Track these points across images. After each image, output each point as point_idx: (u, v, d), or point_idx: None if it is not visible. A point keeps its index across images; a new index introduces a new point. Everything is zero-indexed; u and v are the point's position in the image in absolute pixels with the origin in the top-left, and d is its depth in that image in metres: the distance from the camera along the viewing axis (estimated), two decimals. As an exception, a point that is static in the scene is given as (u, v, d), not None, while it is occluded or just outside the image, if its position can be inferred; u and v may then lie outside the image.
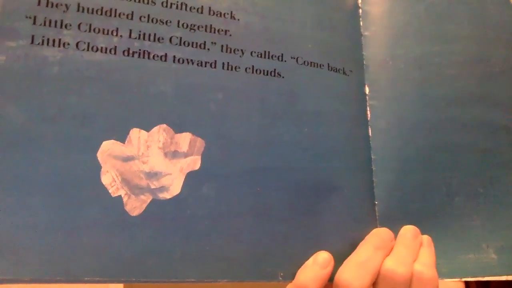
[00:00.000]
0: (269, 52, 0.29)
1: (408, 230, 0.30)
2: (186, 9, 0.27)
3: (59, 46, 0.24)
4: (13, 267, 0.23)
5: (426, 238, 0.30)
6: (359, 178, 0.31)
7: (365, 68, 0.33)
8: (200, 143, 0.26)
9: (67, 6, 0.25)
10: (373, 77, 0.33)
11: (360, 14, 0.33)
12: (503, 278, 0.31)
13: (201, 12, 0.27)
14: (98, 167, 0.24)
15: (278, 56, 0.29)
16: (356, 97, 0.32)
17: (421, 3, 0.34)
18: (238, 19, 0.28)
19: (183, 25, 0.27)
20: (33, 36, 0.24)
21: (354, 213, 0.30)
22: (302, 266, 0.27)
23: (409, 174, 0.32)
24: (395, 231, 0.30)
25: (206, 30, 0.27)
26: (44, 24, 0.24)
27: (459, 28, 0.34)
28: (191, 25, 0.27)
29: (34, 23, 0.24)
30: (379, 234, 0.29)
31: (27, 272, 0.23)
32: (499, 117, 0.33)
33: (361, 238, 0.30)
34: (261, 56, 0.28)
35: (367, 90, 0.32)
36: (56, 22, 0.25)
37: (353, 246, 0.29)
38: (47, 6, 0.25)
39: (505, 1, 0.34)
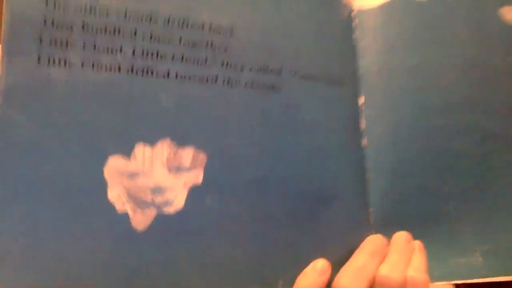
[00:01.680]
0: (267, 67, 0.31)
1: (401, 236, 0.32)
2: (187, 26, 0.29)
3: (64, 66, 0.26)
4: (20, 276, 0.25)
5: (418, 243, 0.32)
6: (354, 186, 0.33)
7: (360, 78, 0.35)
8: (202, 157, 0.28)
9: (72, 26, 0.26)
10: (368, 87, 0.35)
11: (355, 25, 0.35)
12: (488, 280, 0.34)
13: (202, 29, 0.29)
14: (105, 183, 0.26)
15: (276, 70, 0.31)
16: (351, 107, 0.34)
17: (415, 14, 0.36)
18: (238, 35, 0.30)
19: (184, 42, 0.29)
20: (39, 56, 0.26)
21: (350, 220, 0.32)
22: (301, 273, 0.30)
23: (403, 182, 0.34)
24: (389, 237, 0.33)
25: (206, 47, 0.29)
26: (50, 44, 0.26)
27: (452, 38, 0.36)
28: (192, 42, 0.29)
29: (40, 43, 0.26)
30: (373, 241, 0.32)
31: (33, 281, 0.25)
32: (493, 123, 0.35)
33: (357, 245, 0.32)
34: (259, 71, 0.30)
35: (362, 100, 0.34)
36: (61, 42, 0.26)
37: (349, 253, 0.31)
38: (52, 26, 0.26)
39: (496, 13, 0.36)
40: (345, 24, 0.35)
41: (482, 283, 0.38)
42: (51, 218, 0.25)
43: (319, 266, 0.30)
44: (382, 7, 0.36)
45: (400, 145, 0.34)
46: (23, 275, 0.24)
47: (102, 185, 0.26)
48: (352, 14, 0.35)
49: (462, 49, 0.36)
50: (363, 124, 0.34)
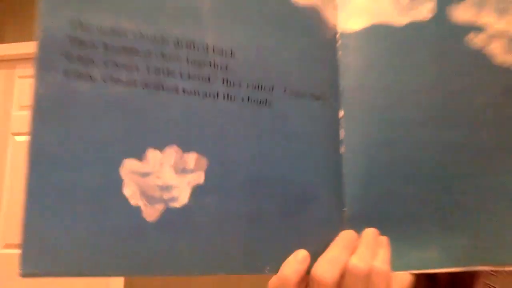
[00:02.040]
0: (261, 84, 0.36)
1: (370, 232, 0.38)
2: (193, 48, 0.34)
3: (88, 80, 0.31)
4: (51, 263, 0.29)
5: (384, 239, 0.38)
6: (332, 189, 0.38)
7: (341, 94, 0.40)
8: (204, 161, 0.33)
9: (95, 46, 0.31)
10: (347, 102, 0.40)
11: (338, 46, 0.41)
12: (444, 270, 0.40)
13: (206, 51, 0.34)
14: (121, 181, 0.31)
15: (269, 88, 0.36)
16: (332, 119, 0.39)
17: (390, 39, 0.41)
18: (236, 57, 0.35)
19: (190, 61, 0.33)
20: (66, 71, 0.30)
21: (327, 217, 0.38)
22: (285, 262, 0.35)
23: (374, 185, 0.40)
24: (360, 233, 0.38)
25: (209, 66, 0.34)
26: (76, 61, 0.30)
27: (420, 62, 0.41)
28: (197, 61, 0.34)
29: (67, 59, 0.30)
30: (346, 236, 0.37)
31: (62, 267, 0.29)
32: (456, 134, 0.41)
33: (332, 239, 0.37)
34: (254, 88, 0.35)
35: (342, 113, 0.40)
36: (86, 59, 0.31)
37: (326, 245, 0.37)
38: (78, 45, 0.31)
39: (462, 39, 0.42)
40: (329, 45, 0.40)
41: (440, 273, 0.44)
42: (80, 211, 0.29)
43: (300, 256, 0.35)
44: (362, 31, 0.41)
45: (372, 153, 0.40)
46: (67, 262, 0.29)
47: (119, 183, 0.30)
48: (337, 36, 0.41)
49: (429, 71, 0.42)
50: (342, 134, 0.39)
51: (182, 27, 0.33)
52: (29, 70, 2.71)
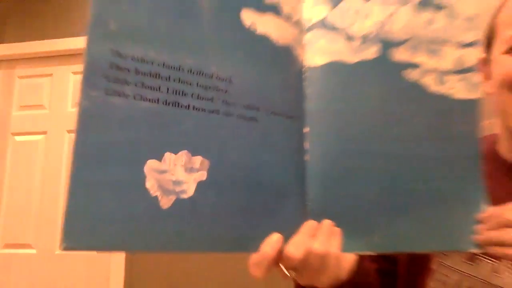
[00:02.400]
0: (250, 105, 0.47)
1: (326, 224, 0.49)
2: (202, 75, 0.44)
3: (122, 96, 0.41)
4: (89, 239, 0.38)
5: (337, 229, 0.49)
6: (299, 189, 0.49)
7: (306, 115, 0.51)
8: (206, 162, 0.43)
9: (128, 70, 0.41)
10: (311, 121, 0.52)
11: (305, 77, 0.52)
12: (385, 253, 0.50)
13: (211, 77, 0.44)
14: (144, 176, 0.40)
15: (256, 108, 0.47)
16: (300, 133, 0.51)
17: (343, 72, 0.53)
18: (234, 83, 0.46)
19: (199, 85, 0.44)
20: (106, 89, 0.40)
21: (295, 211, 0.49)
22: (264, 242, 0.45)
23: (331, 187, 0.51)
24: (320, 223, 0.49)
25: (213, 89, 0.45)
26: (113, 82, 0.40)
27: (368, 90, 0.53)
28: (204, 85, 0.44)
29: (107, 80, 0.40)
30: (309, 225, 0.48)
31: (97, 243, 0.39)
32: (399, 148, 0.52)
33: (299, 227, 0.48)
34: (245, 108, 0.46)
35: (307, 129, 0.51)
36: (121, 80, 0.41)
37: (294, 232, 0.47)
38: (116, 69, 0.41)
39: (399, 73, 0.53)
40: (299, 76, 0.52)
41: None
42: (112, 198, 0.39)
43: (275, 238, 0.46)
44: (323, 66, 0.53)
45: (330, 161, 0.51)
46: (102, 238, 0.39)
47: (143, 178, 0.40)
48: (304, 69, 0.53)
49: (375, 98, 0.53)
50: (307, 146, 0.51)
51: (194, 59, 0.44)
52: (29, 70, 2.77)
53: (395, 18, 0.53)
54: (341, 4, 0.54)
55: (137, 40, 0.42)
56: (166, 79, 0.42)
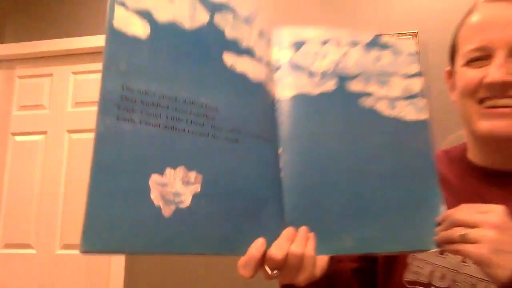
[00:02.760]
0: (234, 129, 0.57)
1: (302, 230, 0.58)
2: (194, 105, 0.54)
3: (131, 122, 0.50)
4: (104, 243, 0.46)
5: (312, 234, 0.59)
6: (277, 201, 0.60)
7: (280, 138, 0.63)
8: (200, 177, 0.53)
9: (135, 101, 0.50)
10: (284, 143, 0.62)
11: (276, 107, 0.64)
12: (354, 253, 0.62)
13: (201, 107, 0.55)
14: (149, 188, 0.50)
15: (238, 131, 0.58)
16: (275, 154, 0.62)
17: (308, 103, 0.65)
18: (220, 111, 0.57)
19: (192, 113, 0.54)
20: (117, 116, 0.49)
21: (275, 219, 0.59)
22: (251, 246, 0.55)
23: (304, 199, 0.61)
24: (297, 230, 0.59)
25: (203, 116, 0.55)
26: (123, 110, 0.50)
27: (329, 117, 0.65)
28: (196, 113, 0.54)
29: (118, 108, 0.50)
30: (288, 231, 0.58)
31: (111, 246, 0.47)
32: (360, 163, 0.64)
33: (279, 233, 0.57)
34: (230, 131, 0.57)
35: (281, 150, 0.62)
36: (129, 109, 0.50)
37: (275, 237, 0.57)
38: (125, 100, 0.50)
39: (355, 102, 0.66)
40: (272, 107, 0.64)
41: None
42: (123, 207, 0.48)
43: (260, 242, 0.55)
44: (290, 98, 0.65)
45: (300, 177, 0.62)
46: (115, 242, 0.47)
47: (148, 190, 0.50)
48: (275, 101, 0.64)
49: (336, 123, 0.65)
50: (281, 164, 0.61)
51: (187, 92, 0.55)
52: (29, 70, 2.84)
53: (347, 57, 0.68)
54: (302, 48, 0.68)
55: (142, 77, 0.52)
56: (166, 108, 0.52)
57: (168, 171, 0.51)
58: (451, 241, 0.58)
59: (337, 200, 0.62)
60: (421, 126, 0.66)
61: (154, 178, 0.50)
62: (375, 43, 0.69)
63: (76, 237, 2.45)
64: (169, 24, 0.56)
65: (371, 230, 0.61)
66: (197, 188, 0.53)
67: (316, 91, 0.66)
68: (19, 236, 2.65)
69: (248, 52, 0.63)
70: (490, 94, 0.69)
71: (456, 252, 0.59)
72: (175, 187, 0.51)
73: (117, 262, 2.43)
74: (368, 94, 0.66)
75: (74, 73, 2.80)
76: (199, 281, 2.32)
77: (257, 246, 0.55)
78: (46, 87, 2.82)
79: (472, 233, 0.56)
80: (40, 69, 2.85)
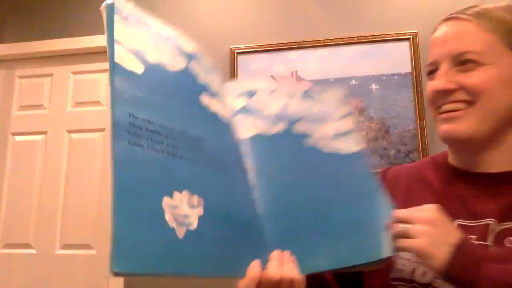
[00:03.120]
0: (219, 159, 0.64)
1: (285, 253, 0.65)
2: (186, 135, 0.61)
3: (140, 147, 0.53)
4: (128, 265, 0.48)
5: (293, 256, 0.65)
6: (259, 225, 0.67)
7: (249, 171, 0.72)
8: (201, 200, 0.57)
9: (141, 128, 0.54)
10: (250, 176, 0.72)
11: (240, 145, 0.75)
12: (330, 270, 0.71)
13: (192, 138, 0.61)
14: (163, 210, 0.52)
15: (222, 161, 0.66)
16: (249, 185, 0.70)
17: (263, 141, 0.78)
18: (206, 141, 0.63)
19: (188, 143, 0.60)
20: (129, 141, 0.53)
21: (260, 241, 0.66)
22: (249, 268, 0.60)
23: (277, 224, 0.69)
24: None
25: (195, 146, 0.61)
26: (133, 135, 0.53)
27: (281, 152, 0.78)
28: (189, 143, 0.60)
29: (129, 134, 0.53)
30: (276, 254, 0.64)
31: (134, 268, 0.49)
32: (312, 192, 0.74)
33: (268, 255, 0.64)
34: (217, 161, 0.64)
35: (252, 182, 0.71)
36: (138, 135, 0.53)
37: (260, 258, 0.62)
38: (133, 127, 0.54)
39: (301, 140, 0.79)
40: (238, 143, 0.74)
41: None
42: (146, 228, 0.51)
43: (257, 264, 0.60)
44: (249, 138, 0.77)
45: (269, 206, 0.71)
46: (138, 264, 0.49)
47: (162, 212, 0.53)
48: (239, 140, 0.74)
49: (287, 157, 0.78)
50: (254, 194, 0.70)
51: (179, 124, 0.61)
52: (29, 70, 2.86)
53: (289, 106, 0.83)
54: (253, 97, 0.83)
55: (143, 107, 0.58)
56: (165, 136, 0.58)
57: (176, 194, 0.55)
58: (396, 238, 0.67)
59: (305, 224, 0.70)
60: (357, 156, 0.78)
61: (166, 201, 0.54)
62: (308, 95, 0.85)
63: (76, 237, 2.55)
64: (157, 65, 0.65)
65: (340, 247, 0.68)
66: (200, 211, 0.57)
67: (270, 131, 0.80)
68: (19, 236, 2.68)
69: (216, 95, 0.76)
70: (438, 102, 0.77)
71: (403, 248, 0.67)
72: (183, 210, 0.54)
73: (117, 263, 2.44)
74: (309, 135, 0.79)
75: (74, 73, 2.83)
76: (199, 280, 2.34)
77: (254, 268, 0.60)
78: (46, 87, 2.85)
79: (411, 228, 0.65)
80: (40, 69, 2.87)
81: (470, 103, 0.74)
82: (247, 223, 0.65)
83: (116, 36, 0.59)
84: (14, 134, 2.82)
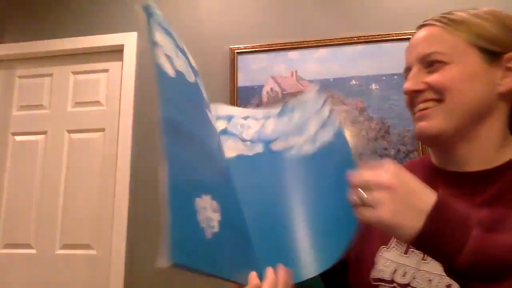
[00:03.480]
0: (221, 170, 0.70)
1: (279, 270, 0.67)
2: (204, 143, 0.67)
3: (180, 147, 0.59)
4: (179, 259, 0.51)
5: (285, 269, 0.67)
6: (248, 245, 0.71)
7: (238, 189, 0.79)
8: (219, 207, 0.61)
9: (180, 128, 0.59)
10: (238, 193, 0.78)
11: (229, 166, 0.80)
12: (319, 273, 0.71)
13: (208, 145, 0.67)
14: (196, 211, 0.56)
15: (223, 173, 0.70)
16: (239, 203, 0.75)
17: (245, 161, 0.86)
18: (216, 154, 0.69)
19: (204, 149, 0.65)
20: (174, 138, 0.58)
21: (253, 253, 0.70)
22: (249, 276, 0.63)
23: (264, 239, 0.73)
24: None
25: (208, 155, 0.67)
26: (177, 134, 0.59)
27: (262, 171, 0.84)
28: (206, 150, 0.66)
29: (174, 132, 0.58)
30: (271, 270, 0.66)
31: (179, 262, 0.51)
32: (292, 206, 0.78)
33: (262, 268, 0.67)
34: (220, 170, 0.69)
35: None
36: (179, 134, 0.59)
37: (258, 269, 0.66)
38: (177, 125, 0.59)
39: (280, 156, 0.87)
40: (226, 166, 0.79)
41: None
42: (191, 225, 0.54)
43: (254, 274, 0.64)
44: (234, 158, 0.84)
45: (255, 221, 0.75)
46: (183, 259, 0.50)
47: (196, 212, 0.56)
48: (228, 159, 0.82)
49: (267, 175, 0.84)
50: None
51: (199, 130, 0.69)
52: (29, 70, 2.89)
53: (265, 127, 0.90)
54: (232, 120, 0.91)
55: (178, 109, 0.63)
56: (192, 141, 0.63)
57: (204, 196, 0.58)
58: (356, 208, 0.60)
59: (280, 238, 0.74)
60: (338, 136, 0.81)
61: (197, 202, 0.57)
62: (283, 112, 0.92)
63: (76, 237, 2.58)
64: (182, 73, 0.69)
65: (326, 249, 0.70)
66: (219, 215, 0.61)
67: (250, 152, 0.87)
68: (19, 236, 2.70)
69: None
70: (413, 103, 0.82)
71: (363, 221, 0.60)
72: (208, 213, 0.58)
73: (117, 262, 2.47)
74: (290, 148, 0.85)
75: (74, 73, 2.85)
76: (199, 280, 2.36)
77: (255, 277, 0.63)
78: (46, 87, 2.87)
79: (368, 197, 0.58)
80: (40, 69, 2.90)
81: (439, 101, 0.77)
82: (245, 233, 0.70)
83: (156, 38, 0.64)
84: (14, 134, 2.84)
